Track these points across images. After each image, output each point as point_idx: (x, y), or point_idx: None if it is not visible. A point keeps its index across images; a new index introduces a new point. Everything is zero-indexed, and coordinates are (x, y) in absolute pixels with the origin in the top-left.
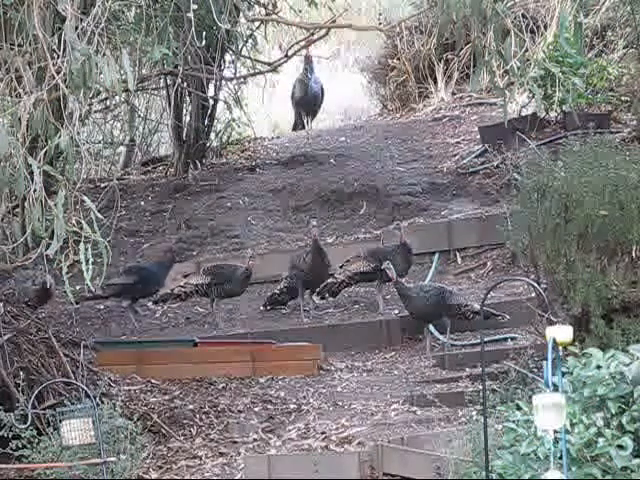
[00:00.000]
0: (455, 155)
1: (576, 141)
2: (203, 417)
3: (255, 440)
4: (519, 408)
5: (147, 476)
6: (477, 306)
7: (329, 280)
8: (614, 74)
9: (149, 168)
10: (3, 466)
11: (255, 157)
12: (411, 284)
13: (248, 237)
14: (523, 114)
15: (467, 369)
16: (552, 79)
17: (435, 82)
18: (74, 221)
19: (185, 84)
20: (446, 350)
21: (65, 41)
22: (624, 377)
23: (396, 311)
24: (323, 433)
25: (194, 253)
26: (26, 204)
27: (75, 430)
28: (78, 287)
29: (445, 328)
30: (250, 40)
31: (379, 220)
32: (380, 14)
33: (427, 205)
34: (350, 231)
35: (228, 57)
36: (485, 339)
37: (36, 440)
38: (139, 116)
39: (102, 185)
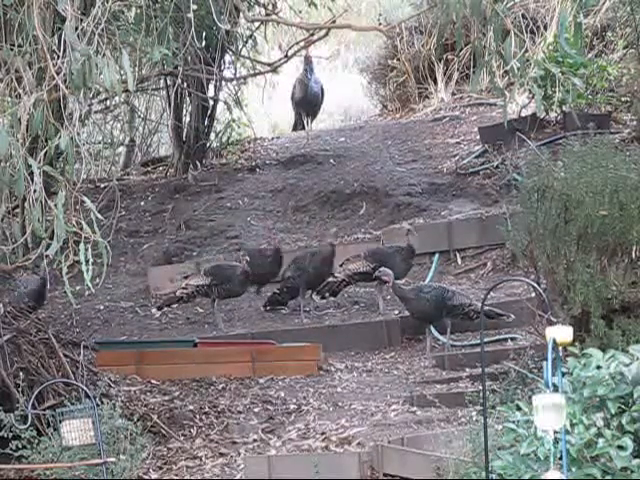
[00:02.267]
0: (455, 155)
1: (576, 141)
2: (203, 417)
3: (255, 440)
4: (519, 408)
5: (147, 476)
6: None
7: (329, 279)
8: (614, 74)
9: (149, 168)
10: (3, 466)
11: (255, 157)
12: (410, 285)
13: (248, 237)
14: (523, 114)
15: (467, 369)
16: (552, 79)
17: (435, 82)
18: (74, 221)
19: (185, 84)
20: (446, 350)
21: (65, 42)
22: (624, 377)
23: (396, 311)
24: (323, 433)
25: (194, 254)
26: (26, 204)
27: (75, 430)
28: (78, 287)
29: (446, 328)
30: (250, 40)
31: (379, 220)
32: (380, 14)
33: (427, 205)
34: (350, 231)
35: (228, 57)
36: (485, 339)
37: (36, 440)
38: (139, 116)
39: (102, 185)
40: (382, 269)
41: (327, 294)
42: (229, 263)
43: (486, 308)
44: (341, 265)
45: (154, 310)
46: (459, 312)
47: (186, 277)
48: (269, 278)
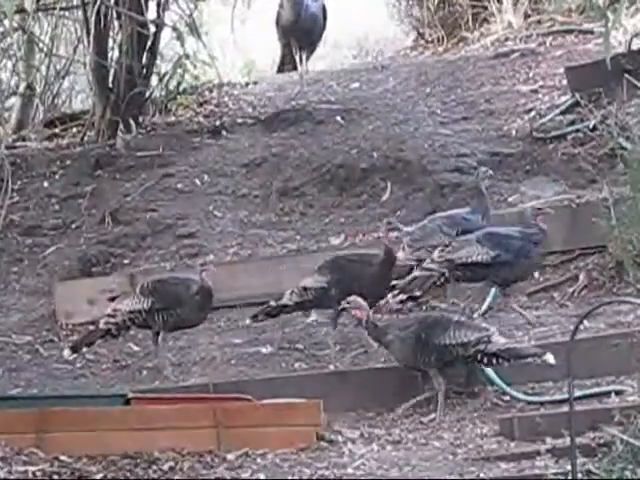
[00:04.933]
0: (529, 111)
1: None
2: None
3: None
4: None
5: None
6: (502, 341)
7: (419, 273)
8: None
9: (56, 130)
10: None
11: (220, 113)
12: (389, 320)
13: (209, 236)
14: (634, 47)
15: (548, 440)
16: None
17: None
18: None
19: (112, 1)
20: (514, 410)
21: None
22: None
23: None
24: None
25: (126, 261)
26: None
27: None
28: None
29: (438, 381)
30: None
31: (411, 210)
32: None
33: (487, 187)
34: (367, 226)
35: None
36: (576, 393)
37: None
38: (41, 50)
39: None
40: (353, 298)
41: (416, 291)
42: (179, 276)
43: (500, 345)
44: (442, 251)
45: (66, 352)
46: (456, 355)
47: (113, 298)
48: (377, 297)
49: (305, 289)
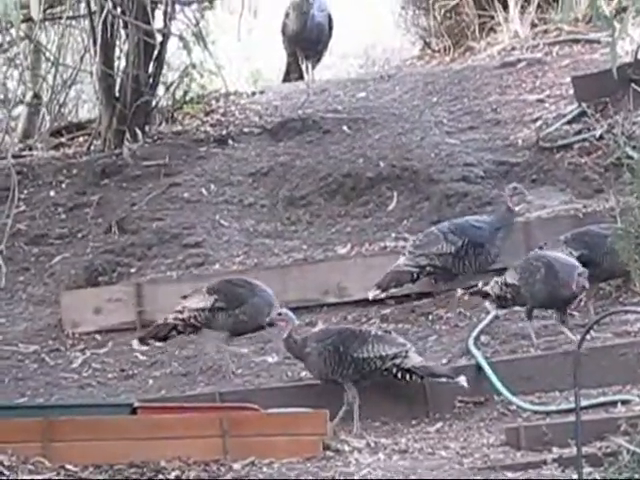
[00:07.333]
0: (536, 120)
1: None
2: None
3: None
4: None
5: None
6: (418, 359)
7: None
8: None
9: (63, 140)
10: None
11: (227, 123)
12: (308, 333)
13: (215, 245)
14: None
15: (555, 449)
16: None
17: (505, 8)
18: None
19: (119, 10)
20: (520, 420)
21: None
22: None
23: (444, 360)
24: None
25: (132, 270)
26: None
27: None
28: None
29: (352, 394)
30: None
31: (418, 220)
32: None
33: (493, 197)
34: (373, 237)
35: None
36: (583, 403)
37: None
38: (47, 59)
39: None
40: (285, 310)
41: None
42: (246, 279)
43: (416, 362)
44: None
45: (134, 342)
46: (373, 368)
47: (185, 296)
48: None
49: (507, 285)
